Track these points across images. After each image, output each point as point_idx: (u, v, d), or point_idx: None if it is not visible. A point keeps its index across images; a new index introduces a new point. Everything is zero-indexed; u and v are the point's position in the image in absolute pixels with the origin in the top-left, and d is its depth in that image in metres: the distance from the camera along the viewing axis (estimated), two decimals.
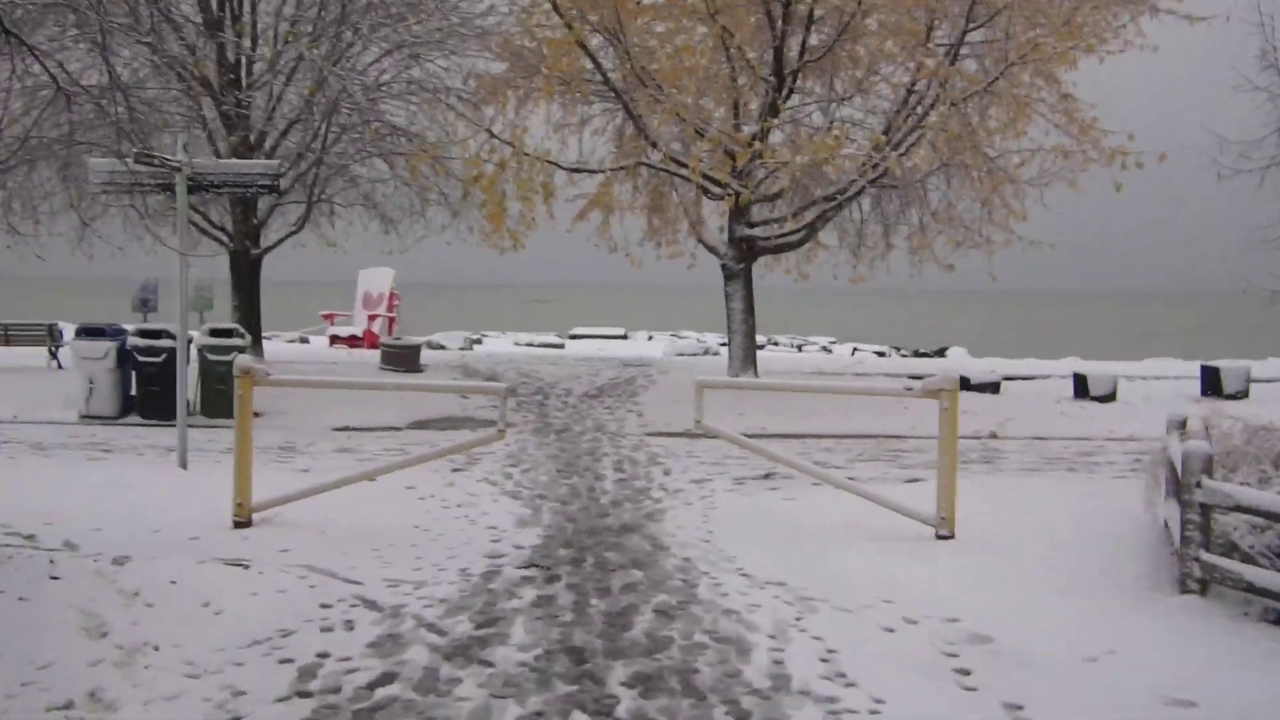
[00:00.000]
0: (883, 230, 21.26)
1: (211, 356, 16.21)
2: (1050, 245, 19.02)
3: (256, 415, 16.68)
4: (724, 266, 20.10)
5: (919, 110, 17.96)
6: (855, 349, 44.67)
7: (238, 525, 8.70)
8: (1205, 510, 7.19)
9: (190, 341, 16.39)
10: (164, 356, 15.79)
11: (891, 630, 6.63)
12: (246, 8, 18.70)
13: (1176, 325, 74.59)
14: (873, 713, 5.36)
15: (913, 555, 8.33)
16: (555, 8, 16.73)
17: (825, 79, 19.74)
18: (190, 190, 10.90)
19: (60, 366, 21.20)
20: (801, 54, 17.97)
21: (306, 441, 14.39)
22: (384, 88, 19.72)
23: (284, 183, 20.01)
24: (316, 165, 18.81)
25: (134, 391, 16.41)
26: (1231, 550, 7.24)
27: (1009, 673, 5.89)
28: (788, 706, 5.41)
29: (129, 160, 9.96)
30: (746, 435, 16.34)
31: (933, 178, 19.69)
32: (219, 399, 16.13)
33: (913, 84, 17.91)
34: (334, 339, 30.78)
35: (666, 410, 17.82)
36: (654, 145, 18.12)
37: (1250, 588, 6.81)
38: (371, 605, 6.75)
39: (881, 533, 9.04)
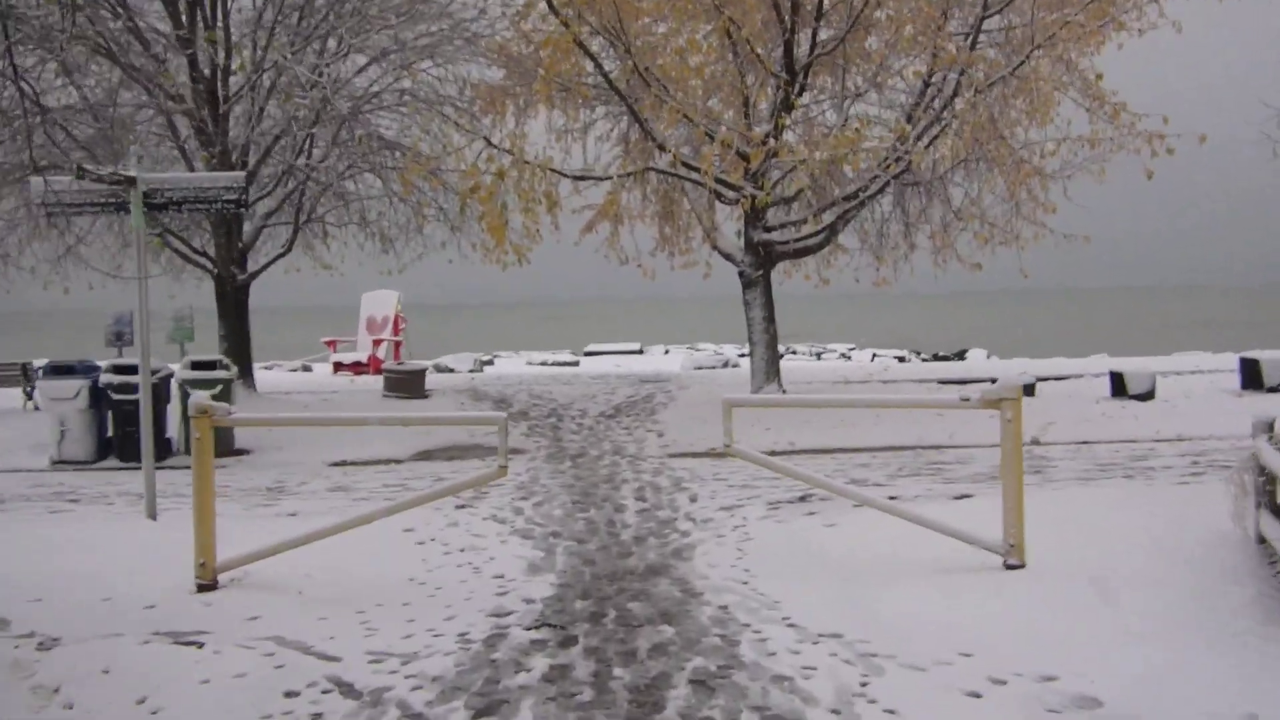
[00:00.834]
0: (904, 229, 20.06)
1: (194, 391, 15.10)
2: (1085, 238, 17.81)
3: (244, 453, 15.71)
4: (741, 274, 18.96)
5: (937, 103, 16.85)
6: (875, 354, 43.77)
7: (201, 589, 7.56)
8: None
9: (171, 376, 15.34)
10: (139, 393, 14.68)
11: (978, 695, 5.46)
12: (220, 15, 17.57)
13: (1205, 318, 73.14)
14: None
15: (983, 592, 7.15)
16: (551, 7, 15.63)
17: (838, 74, 18.61)
18: (148, 209, 9.78)
19: (37, 408, 20.14)
20: (812, 49, 16.84)
21: (298, 480, 13.27)
22: (375, 99, 18.69)
23: (270, 202, 18.99)
24: (303, 182, 17.71)
25: (111, 433, 15.34)
26: None
27: None
28: None
29: (80, 176, 8.84)
30: (774, 452, 15.34)
31: (956, 172, 18.52)
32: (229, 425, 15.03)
33: (930, 74, 16.80)
34: (338, 366, 29.74)
35: (688, 429, 16.69)
36: (662, 148, 17.01)
37: None
38: (348, 690, 5.60)
39: (941, 563, 7.88)
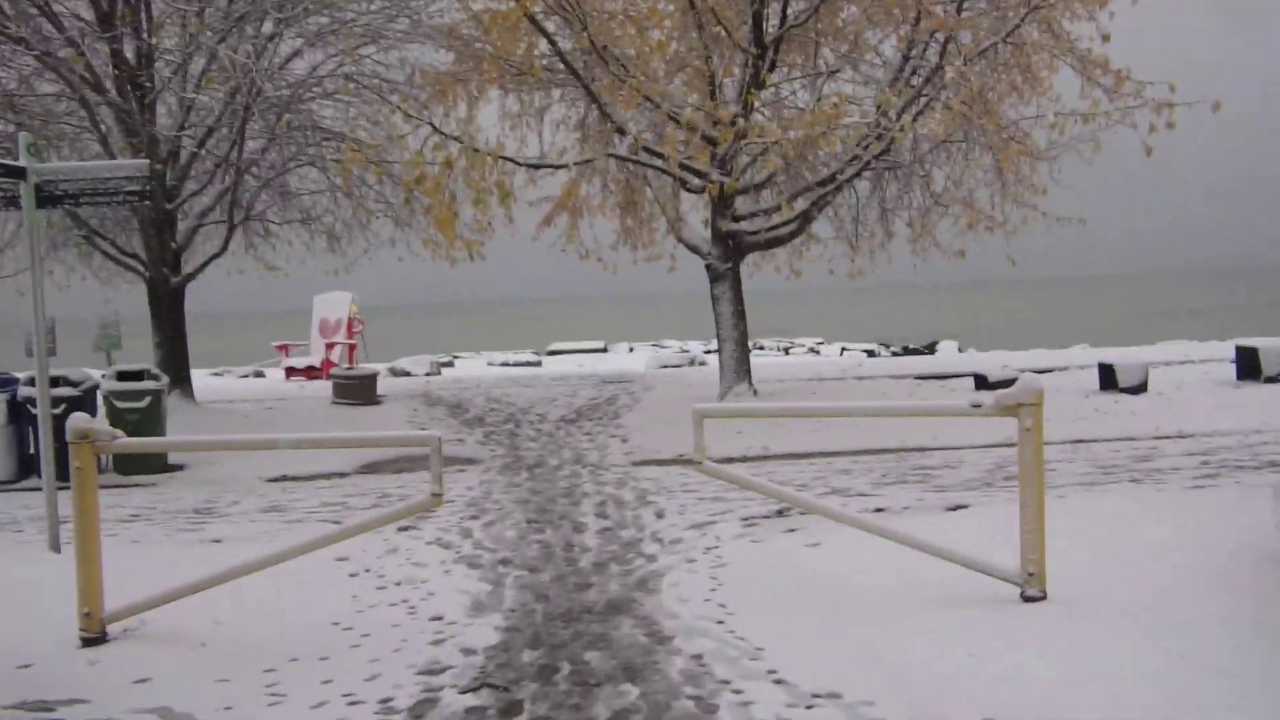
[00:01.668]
0: (880, 215, 18.99)
1: (120, 404, 13.92)
2: (1081, 219, 16.76)
3: (178, 469, 14.52)
4: (709, 267, 17.87)
5: (918, 77, 15.81)
6: (844, 349, 42.95)
7: (86, 643, 6.40)
8: None
9: (96, 388, 14.12)
10: (63, 407, 13.47)
11: None
12: None
13: (1190, 306, 72.53)
14: None
15: (1004, 633, 6.10)
16: None
17: (810, 51, 17.56)
18: (41, 203, 8.60)
19: None
20: (782, 22, 15.77)
21: (230, 500, 12.09)
22: (316, 86, 17.48)
23: (207, 199, 17.76)
24: (237, 177, 16.47)
25: (33, 450, 14.10)
26: None
27: None
28: None
29: None
30: (748, 458, 14.23)
31: (937, 154, 17.48)
32: (135, 454, 13.87)
33: (911, 45, 15.76)
34: (290, 371, 28.45)
35: (653, 433, 15.62)
36: (621, 132, 15.90)
37: None
38: None
39: (946, 594, 6.84)
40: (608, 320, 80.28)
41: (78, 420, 6.50)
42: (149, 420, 13.96)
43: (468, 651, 6.26)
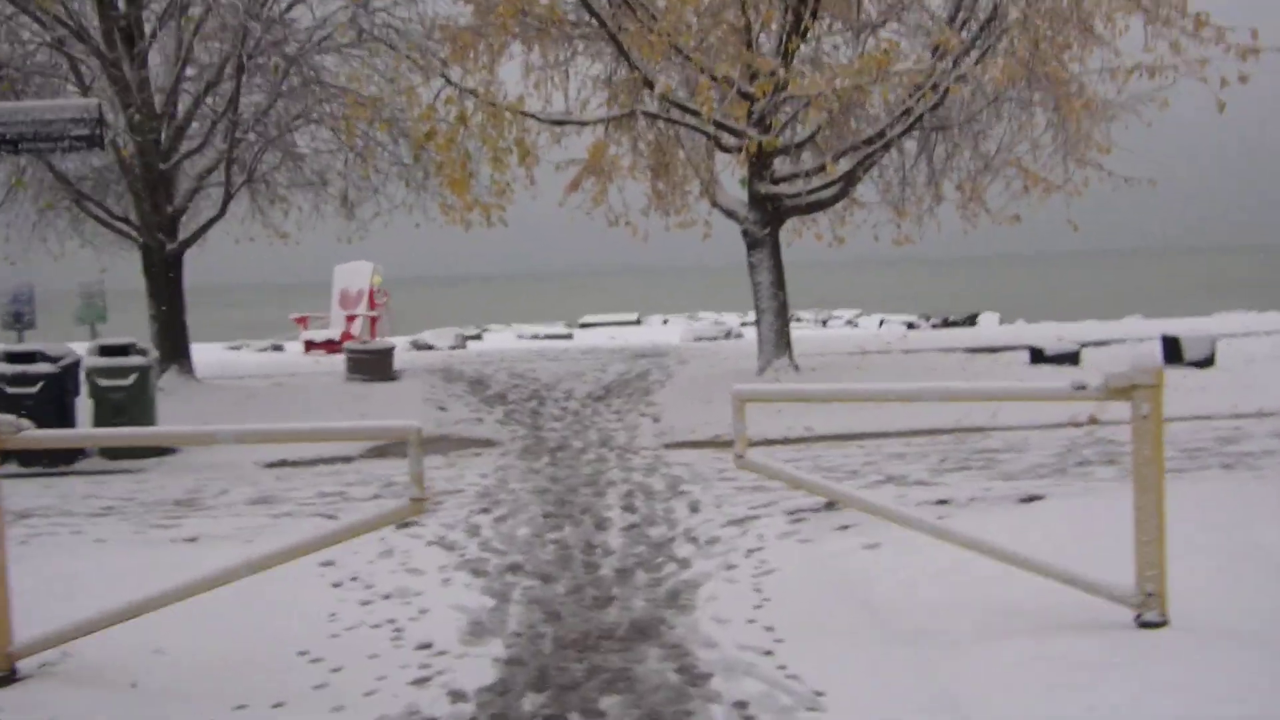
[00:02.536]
0: (929, 177, 17.54)
1: (103, 381, 12.79)
2: (1152, 181, 15.29)
3: (170, 452, 13.41)
4: (745, 233, 16.58)
5: (971, 26, 14.42)
6: (882, 321, 41.83)
7: None
8: None
9: (78, 363, 13.02)
10: (40, 385, 12.41)
11: None
12: None
13: (1245, 276, 70.22)
14: None
15: (1123, 671, 4.86)
16: None
17: (852, 2, 16.16)
18: None
19: None
20: None
21: (219, 488, 10.95)
22: (327, 39, 16.31)
23: (206, 160, 16.59)
24: (232, 131, 15.24)
25: None
26: None
27: None
28: None
29: None
30: (789, 440, 12.96)
31: (988, 113, 16.04)
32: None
33: None
34: (309, 345, 27.39)
35: (688, 412, 14.41)
36: (649, 84, 14.61)
37: None
38: None
39: (1040, 615, 5.61)
40: (642, 291, 79.10)
41: None
42: (135, 400, 12.84)
43: (456, 696, 5.05)
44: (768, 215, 16.36)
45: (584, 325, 43.17)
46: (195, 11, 14.71)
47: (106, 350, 13.09)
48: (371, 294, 27.77)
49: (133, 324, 18.80)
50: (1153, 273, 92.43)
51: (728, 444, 12.72)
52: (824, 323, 42.20)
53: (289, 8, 15.76)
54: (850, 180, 16.03)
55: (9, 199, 16.59)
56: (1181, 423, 12.69)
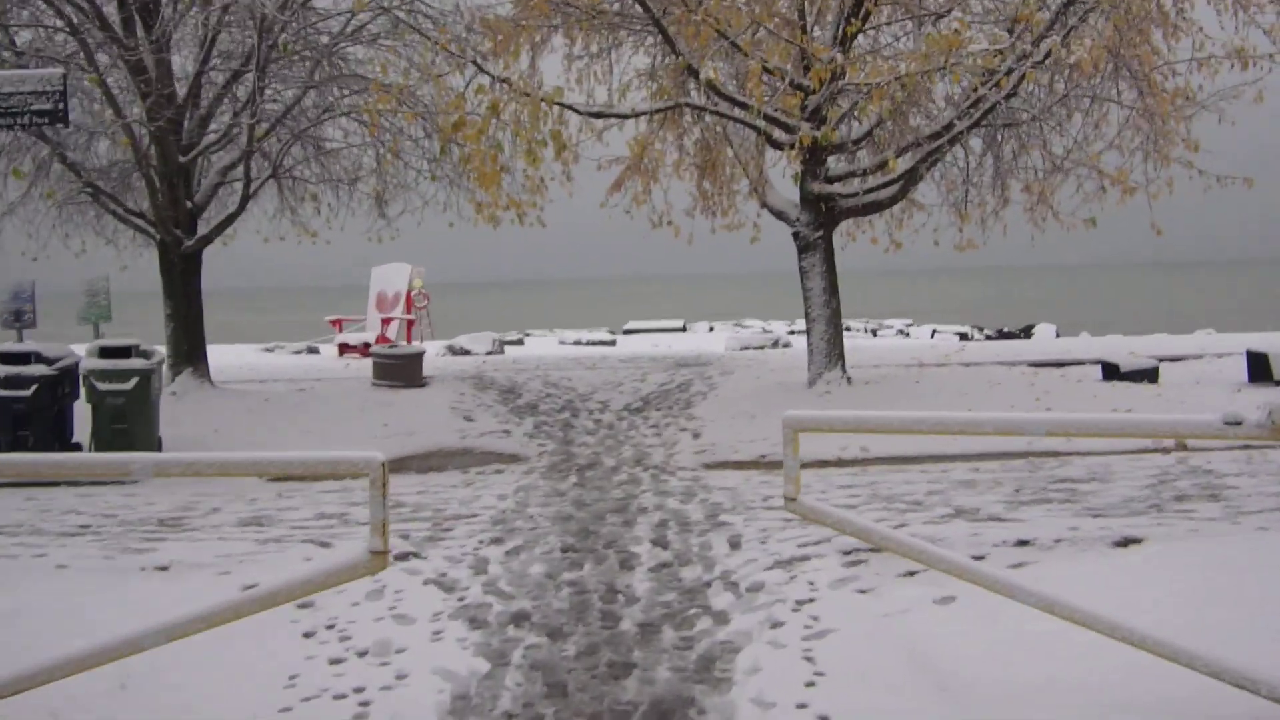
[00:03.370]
0: (994, 177, 16.22)
1: (102, 385, 11.83)
2: (1248, 180, 13.90)
3: None
4: (797, 235, 15.42)
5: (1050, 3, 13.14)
6: (934, 331, 40.67)
7: None
8: None
9: (77, 365, 12.09)
10: (34, 388, 11.47)
11: None
12: None
13: None
14: None
15: None
16: None
17: None
18: None
19: None
20: None
21: (211, 506, 9.94)
22: (361, 30, 15.41)
23: (230, 155, 15.68)
24: (252, 119, 14.26)
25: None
26: None
27: None
28: None
29: None
30: (843, 461, 11.76)
31: (1059, 108, 14.75)
32: (119, 444, 11.85)
33: None
34: (343, 348, 26.46)
35: (730, 428, 13.28)
36: (694, 73, 13.50)
37: None
38: None
39: (1170, 708, 4.44)
40: (688, 298, 78.00)
41: None
42: (136, 406, 11.87)
43: None
44: (821, 217, 15.20)
45: (628, 332, 42.11)
46: None
47: (107, 352, 12.13)
48: (409, 297, 26.86)
49: (150, 325, 17.97)
50: (1216, 285, 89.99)
51: (774, 465, 11.64)
52: (874, 332, 40.96)
53: None
54: (911, 179, 14.81)
55: (29, 194, 15.77)
56: None
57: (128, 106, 14.68)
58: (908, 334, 40.97)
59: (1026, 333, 37.76)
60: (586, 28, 15.32)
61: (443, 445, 13.17)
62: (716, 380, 17.62)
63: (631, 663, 5.53)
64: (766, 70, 13.41)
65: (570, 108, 13.80)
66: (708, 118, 15.75)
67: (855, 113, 15.01)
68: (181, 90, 14.93)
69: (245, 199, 15.20)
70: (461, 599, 6.68)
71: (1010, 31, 12.28)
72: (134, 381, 11.90)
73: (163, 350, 13.93)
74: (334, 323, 28.33)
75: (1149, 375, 16.30)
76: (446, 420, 14.49)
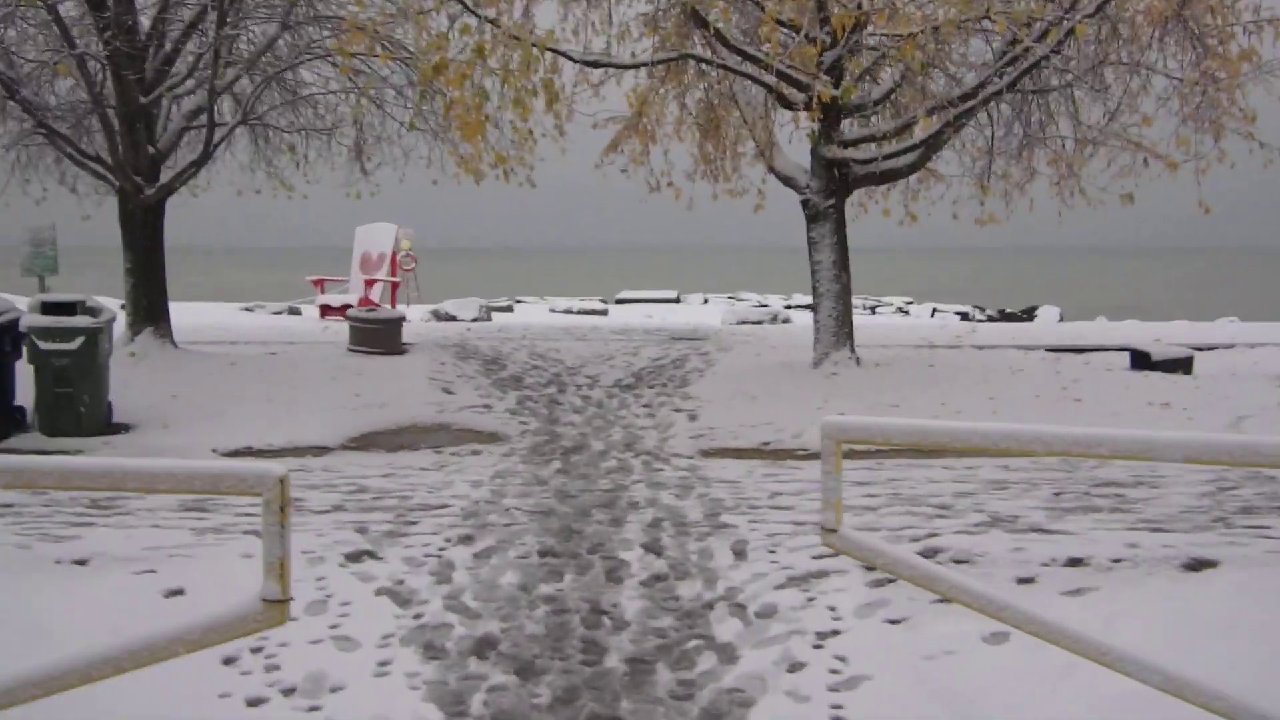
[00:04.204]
0: (1021, 147, 15.06)
1: (45, 344, 10.69)
2: None
3: (123, 429, 11.38)
4: (806, 203, 14.29)
5: None
6: (935, 309, 39.81)
7: None
8: None
9: (19, 321, 10.95)
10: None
11: None
12: None
13: None
14: None
15: None
16: None
17: None
18: None
19: None
20: None
21: None
22: None
23: (193, 99, 14.52)
24: (214, 57, 13.02)
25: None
26: None
27: None
28: None
29: None
30: (853, 450, 10.85)
31: (1097, 73, 13.61)
32: (63, 409, 10.77)
33: None
34: (325, 309, 25.28)
35: (730, 409, 12.20)
36: (702, 24, 12.36)
37: None
38: None
39: None
40: (682, 268, 76.87)
41: None
42: (82, 368, 10.74)
43: None
44: (833, 184, 14.07)
45: (620, 301, 41.03)
46: None
47: (49, 308, 11.00)
48: (394, 259, 25.71)
49: (112, 281, 16.81)
50: (1224, 271, 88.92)
51: (777, 454, 10.54)
52: (873, 310, 39.92)
53: None
54: (933, 146, 13.66)
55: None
56: None
57: (86, 39, 13.49)
58: (907, 312, 40.06)
59: (1029, 315, 36.87)
60: None
61: (417, 419, 12.08)
62: (714, 356, 16.52)
63: (618, 718, 4.46)
64: (779, 23, 12.27)
65: (564, 54, 12.67)
66: (713, 73, 14.60)
67: (873, 72, 13.87)
68: (146, 23, 13.75)
69: (209, 144, 13.96)
70: (418, 616, 5.60)
71: None
72: (79, 341, 10.77)
73: (114, 307, 12.79)
74: (315, 283, 27.11)
75: (1183, 365, 15.21)
76: (424, 392, 13.39)
